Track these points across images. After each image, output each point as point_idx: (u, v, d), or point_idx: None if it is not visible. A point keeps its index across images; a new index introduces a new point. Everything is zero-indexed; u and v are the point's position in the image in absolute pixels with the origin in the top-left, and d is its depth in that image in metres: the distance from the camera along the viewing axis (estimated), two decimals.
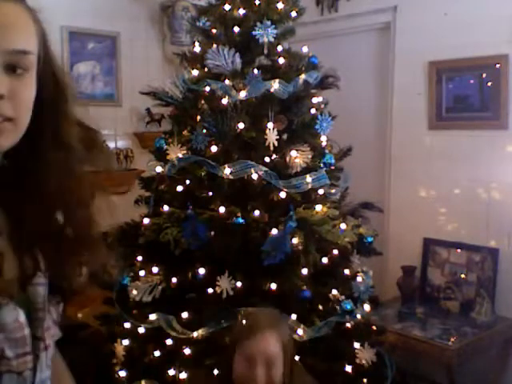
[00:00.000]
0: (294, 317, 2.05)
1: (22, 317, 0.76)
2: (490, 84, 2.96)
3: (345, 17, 3.64)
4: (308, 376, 1.75)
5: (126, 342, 2.22)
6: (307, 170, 2.20)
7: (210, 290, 2.08)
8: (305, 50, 2.41)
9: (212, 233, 2.10)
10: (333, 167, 2.33)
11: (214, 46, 2.21)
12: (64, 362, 1.03)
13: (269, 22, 2.22)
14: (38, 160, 0.79)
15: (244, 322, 1.67)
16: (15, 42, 0.71)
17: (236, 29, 2.27)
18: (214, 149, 2.16)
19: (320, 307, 2.19)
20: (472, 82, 3.05)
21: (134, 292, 2.16)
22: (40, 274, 0.82)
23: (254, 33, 2.23)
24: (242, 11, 2.28)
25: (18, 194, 0.77)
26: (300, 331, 2.03)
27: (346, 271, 2.30)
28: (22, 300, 0.78)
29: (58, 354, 0.99)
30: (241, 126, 2.14)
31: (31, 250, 0.81)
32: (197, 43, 2.40)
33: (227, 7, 2.29)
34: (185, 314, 2.09)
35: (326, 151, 2.33)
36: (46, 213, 0.80)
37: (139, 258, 2.26)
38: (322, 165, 2.26)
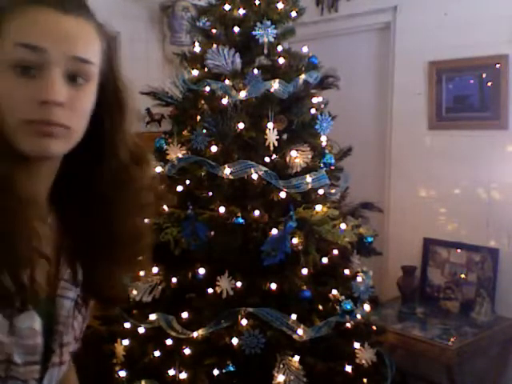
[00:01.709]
0: (294, 317, 2.05)
1: (38, 325, 0.75)
2: (490, 84, 2.96)
3: (345, 17, 3.64)
4: None
5: (126, 342, 2.22)
6: (307, 170, 2.20)
7: (210, 290, 2.08)
8: (305, 50, 2.42)
9: (212, 233, 2.10)
10: (333, 167, 2.33)
11: (214, 46, 2.21)
12: (74, 371, 1.03)
13: (269, 22, 2.23)
14: (93, 172, 0.80)
15: None
16: (78, 50, 0.72)
17: (236, 29, 2.27)
18: (214, 149, 2.16)
19: (320, 307, 2.19)
20: (472, 81, 3.05)
21: (134, 292, 2.16)
22: (72, 287, 0.81)
23: (253, 33, 2.23)
24: (242, 11, 2.28)
25: (73, 203, 0.77)
26: (300, 331, 2.03)
27: (346, 271, 2.30)
28: (46, 309, 0.77)
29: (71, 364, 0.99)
30: (241, 125, 2.14)
31: (74, 260, 0.80)
32: (197, 43, 2.40)
33: (227, 7, 2.29)
34: (185, 314, 2.09)
35: (326, 151, 2.33)
36: (99, 225, 0.81)
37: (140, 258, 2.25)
38: (322, 165, 2.26)
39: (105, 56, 0.79)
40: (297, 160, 2.17)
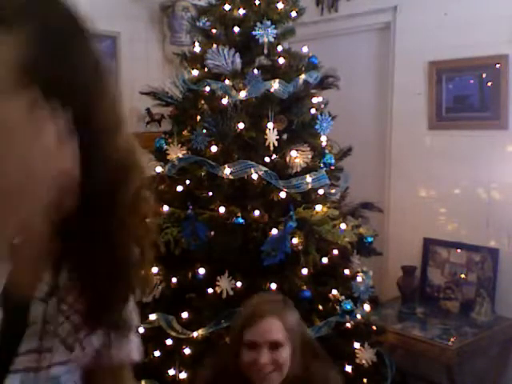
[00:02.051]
0: None
1: None
2: (490, 84, 2.96)
3: (345, 17, 3.64)
4: (332, 371, 1.68)
5: None
6: (307, 170, 2.20)
7: (210, 290, 2.08)
8: (305, 50, 2.42)
9: (212, 233, 2.10)
10: (333, 167, 2.33)
11: (214, 46, 2.21)
12: None
13: (269, 22, 2.23)
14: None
15: (245, 310, 1.65)
16: None
17: (236, 29, 2.27)
18: (214, 149, 2.16)
19: (320, 307, 2.19)
20: (472, 82, 3.05)
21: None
22: (52, 290, 0.77)
23: (253, 33, 2.23)
24: (242, 11, 2.28)
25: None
26: None
27: (346, 271, 2.30)
28: (14, 310, 0.74)
29: None
30: (241, 126, 2.14)
31: (58, 264, 0.76)
32: (197, 43, 2.40)
33: (227, 7, 2.29)
34: (185, 314, 2.09)
35: (326, 151, 2.33)
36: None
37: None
38: (321, 165, 2.27)
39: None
40: (297, 160, 2.17)
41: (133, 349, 0.92)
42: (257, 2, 2.29)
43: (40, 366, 0.76)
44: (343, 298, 2.18)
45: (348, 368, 2.14)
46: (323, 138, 2.33)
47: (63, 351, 0.80)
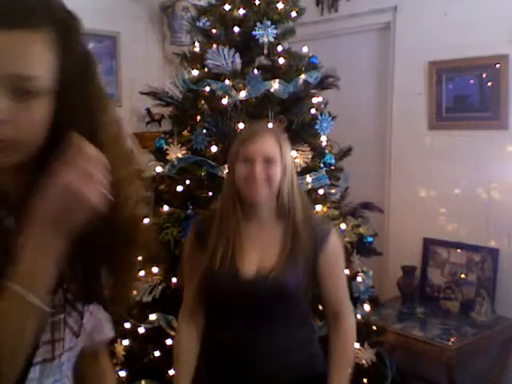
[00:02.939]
0: None
1: None
2: (490, 84, 2.96)
3: (345, 17, 3.64)
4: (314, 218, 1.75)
5: (126, 342, 2.22)
6: (307, 170, 2.20)
7: None
8: (305, 50, 2.42)
9: None
10: (333, 167, 2.33)
11: (214, 46, 2.21)
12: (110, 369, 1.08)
13: (269, 22, 2.22)
14: None
15: (243, 132, 1.72)
16: (18, 68, 0.70)
17: (236, 29, 2.27)
18: (214, 149, 2.16)
19: (320, 307, 2.19)
20: (472, 82, 3.05)
21: (134, 292, 2.16)
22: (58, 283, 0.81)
23: (254, 33, 2.23)
24: (242, 11, 2.28)
25: None
26: None
27: (346, 271, 2.30)
28: None
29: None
30: (241, 126, 2.14)
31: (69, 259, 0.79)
32: (197, 43, 2.40)
33: (227, 7, 2.29)
34: None
35: (326, 151, 2.33)
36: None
37: (139, 258, 2.25)
38: (321, 165, 2.27)
39: (68, 59, 0.75)
40: (297, 160, 2.17)
41: (108, 326, 0.98)
42: (257, 2, 2.29)
43: (54, 356, 0.82)
44: None
45: None
46: (323, 138, 2.33)
47: (70, 338, 0.86)
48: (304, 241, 1.60)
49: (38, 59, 0.72)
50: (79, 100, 0.77)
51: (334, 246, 1.67)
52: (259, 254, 1.61)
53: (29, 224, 0.72)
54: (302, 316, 1.70)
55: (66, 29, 0.75)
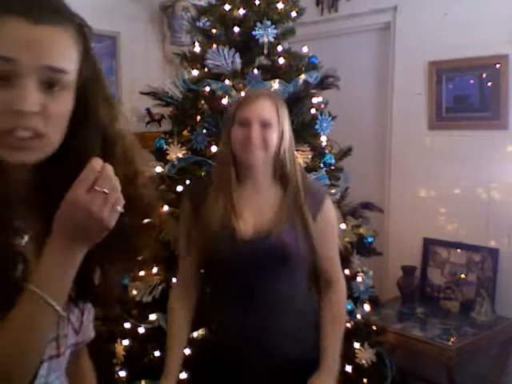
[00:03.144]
0: None
1: None
2: (490, 84, 2.96)
3: (345, 17, 3.64)
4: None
5: (126, 342, 2.22)
6: (307, 169, 2.19)
7: None
8: (305, 50, 2.42)
9: None
10: (333, 167, 2.33)
11: (214, 46, 2.21)
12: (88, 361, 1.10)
13: (269, 22, 2.22)
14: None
15: (241, 97, 1.69)
16: (51, 60, 0.73)
17: (236, 29, 2.27)
18: (214, 149, 2.16)
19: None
20: (472, 82, 3.05)
21: (134, 292, 2.16)
22: None
23: (254, 33, 2.23)
24: (242, 11, 2.27)
25: (55, 199, 0.77)
26: None
27: (346, 271, 2.30)
28: None
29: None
30: None
31: None
32: (197, 43, 2.40)
33: (227, 7, 2.29)
34: None
35: (326, 151, 2.33)
36: None
37: (139, 258, 2.25)
38: (321, 165, 2.26)
39: (85, 60, 0.79)
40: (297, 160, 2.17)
41: (91, 327, 1.01)
42: (257, 2, 2.29)
43: (59, 352, 0.85)
44: None
45: (348, 368, 2.14)
46: (323, 138, 2.33)
47: (72, 335, 0.89)
48: (302, 203, 1.60)
49: (68, 54, 0.75)
50: (94, 100, 0.81)
51: (329, 210, 1.67)
52: (256, 215, 1.60)
53: (51, 234, 0.75)
54: (303, 286, 1.69)
55: (83, 32, 0.79)
